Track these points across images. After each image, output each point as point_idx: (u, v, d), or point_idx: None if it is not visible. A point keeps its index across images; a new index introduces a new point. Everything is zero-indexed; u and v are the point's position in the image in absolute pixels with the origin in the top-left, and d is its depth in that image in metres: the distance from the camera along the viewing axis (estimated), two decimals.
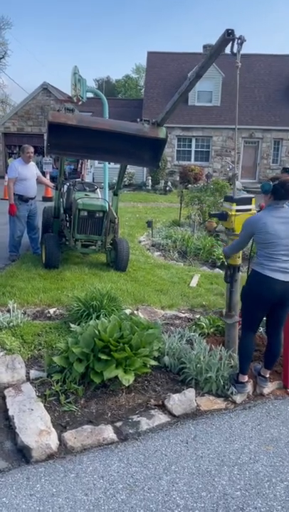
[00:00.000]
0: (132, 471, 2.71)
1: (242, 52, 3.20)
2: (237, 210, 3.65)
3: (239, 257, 3.79)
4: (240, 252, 3.78)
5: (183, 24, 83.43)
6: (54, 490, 2.54)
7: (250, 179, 22.64)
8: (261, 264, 3.38)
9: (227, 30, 3.06)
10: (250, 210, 3.68)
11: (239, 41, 3.08)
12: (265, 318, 3.70)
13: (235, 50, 3.12)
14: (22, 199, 6.77)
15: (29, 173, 6.81)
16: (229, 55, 3.18)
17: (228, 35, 3.06)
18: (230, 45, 3.13)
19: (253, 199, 3.74)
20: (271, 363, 3.69)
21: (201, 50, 25.72)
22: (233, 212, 3.65)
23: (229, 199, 3.72)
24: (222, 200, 3.93)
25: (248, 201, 3.71)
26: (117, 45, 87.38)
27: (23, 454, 2.83)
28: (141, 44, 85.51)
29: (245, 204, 3.67)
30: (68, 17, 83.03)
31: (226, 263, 3.87)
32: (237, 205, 3.64)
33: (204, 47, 25.78)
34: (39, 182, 7.18)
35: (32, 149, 6.90)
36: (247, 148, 23.63)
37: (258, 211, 3.66)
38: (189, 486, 2.61)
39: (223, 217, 3.74)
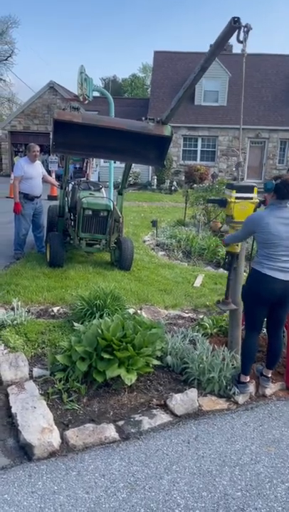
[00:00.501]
0: (133, 470, 2.72)
1: (249, 52, 3.18)
2: (237, 198, 3.59)
3: (238, 245, 3.78)
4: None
5: (183, 24, 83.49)
6: (55, 487, 2.55)
7: (256, 179, 22.56)
8: (261, 263, 3.39)
9: (233, 18, 3.03)
10: (251, 198, 3.62)
11: (245, 29, 3.06)
12: (265, 319, 3.70)
13: (241, 38, 3.10)
14: (27, 198, 6.79)
15: (35, 172, 6.83)
16: (235, 55, 3.17)
17: (235, 23, 3.04)
18: (236, 33, 3.11)
19: (255, 188, 3.68)
20: (273, 362, 3.69)
21: (207, 50, 25.65)
22: (233, 199, 3.59)
23: (230, 186, 3.70)
24: (224, 187, 3.91)
25: (250, 189, 3.64)
26: (121, 44, 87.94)
27: (25, 452, 2.85)
28: (144, 44, 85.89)
29: (245, 192, 3.61)
30: (69, 17, 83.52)
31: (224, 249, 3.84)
32: (237, 192, 3.59)
33: (211, 46, 25.70)
34: (44, 181, 7.21)
35: (38, 148, 6.92)
36: (253, 149, 23.56)
37: (262, 201, 3.63)
38: (190, 485, 2.62)
39: (222, 203, 3.71)
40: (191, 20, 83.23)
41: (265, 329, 4.13)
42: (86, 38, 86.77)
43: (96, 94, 14.68)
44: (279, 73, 25.04)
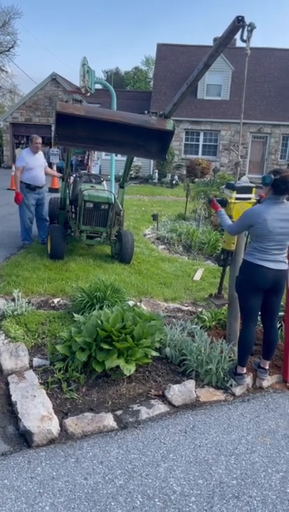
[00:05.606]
0: (131, 458, 2.77)
1: (252, 45, 3.20)
2: (237, 198, 3.67)
3: (234, 243, 3.83)
4: (236, 238, 3.81)
5: (187, 18, 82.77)
6: (54, 473, 2.60)
7: (257, 174, 22.51)
8: (252, 255, 3.47)
9: (237, 17, 3.06)
10: (249, 199, 3.70)
11: (249, 28, 3.08)
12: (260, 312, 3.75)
13: (245, 37, 3.12)
14: (29, 187, 6.92)
15: (37, 163, 6.94)
16: (239, 48, 3.19)
17: (238, 22, 3.06)
18: (240, 32, 3.13)
19: (254, 189, 3.76)
20: (269, 352, 3.74)
21: (211, 43, 25.51)
22: (233, 200, 3.67)
23: (230, 186, 3.74)
24: (223, 186, 3.96)
25: (249, 190, 3.72)
26: (124, 37, 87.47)
27: (24, 439, 2.90)
28: (147, 37, 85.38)
29: (245, 193, 3.69)
30: (72, 8, 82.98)
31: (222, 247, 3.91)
32: (237, 193, 3.67)
33: (215, 40, 25.57)
34: (45, 173, 7.26)
35: (40, 140, 6.99)
36: (255, 144, 23.50)
37: (258, 200, 3.68)
38: (186, 473, 2.67)
39: (223, 203, 3.78)
40: (196, 13, 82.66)
41: (261, 324, 4.19)
42: (89, 31, 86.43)
43: (98, 86, 14.62)
44: (282, 68, 24.90)
